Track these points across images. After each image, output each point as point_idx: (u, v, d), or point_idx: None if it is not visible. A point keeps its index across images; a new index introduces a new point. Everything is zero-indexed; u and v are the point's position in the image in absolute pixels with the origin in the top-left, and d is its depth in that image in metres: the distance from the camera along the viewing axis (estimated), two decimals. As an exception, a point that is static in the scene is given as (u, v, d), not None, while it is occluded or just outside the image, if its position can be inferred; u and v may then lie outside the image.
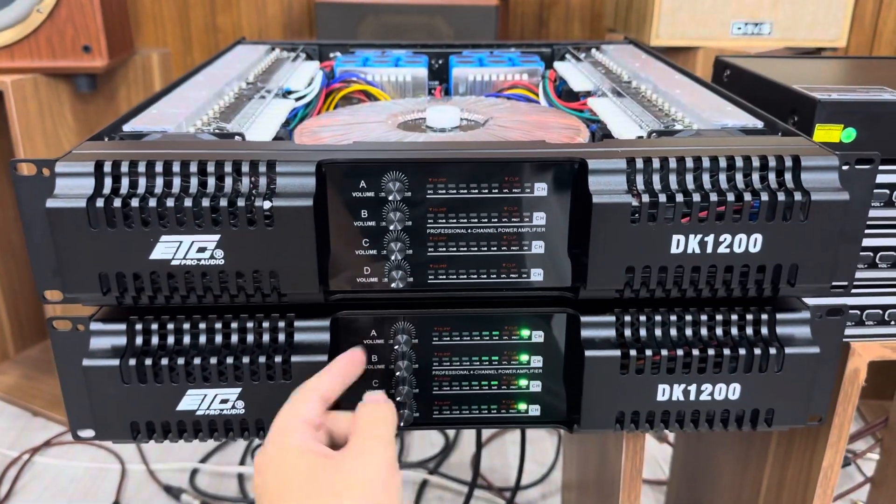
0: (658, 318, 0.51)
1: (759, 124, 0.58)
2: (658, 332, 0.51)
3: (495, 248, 0.50)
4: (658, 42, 1.41)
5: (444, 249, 0.50)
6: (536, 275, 0.51)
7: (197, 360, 0.49)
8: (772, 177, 0.48)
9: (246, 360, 0.49)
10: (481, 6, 1.54)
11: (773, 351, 0.51)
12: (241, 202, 0.46)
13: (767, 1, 1.40)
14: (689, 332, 0.51)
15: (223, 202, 0.45)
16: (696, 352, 0.51)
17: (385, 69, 0.79)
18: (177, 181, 0.46)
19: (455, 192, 0.49)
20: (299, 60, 0.86)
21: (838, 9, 1.41)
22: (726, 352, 0.51)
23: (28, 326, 1.66)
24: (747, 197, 0.47)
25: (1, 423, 1.47)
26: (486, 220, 0.50)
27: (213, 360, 0.49)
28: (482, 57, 0.85)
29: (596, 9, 1.92)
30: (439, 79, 0.88)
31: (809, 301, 0.53)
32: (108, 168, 0.46)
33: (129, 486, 1.30)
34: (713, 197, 0.47)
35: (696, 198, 0.47)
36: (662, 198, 0.46)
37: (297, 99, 0.72)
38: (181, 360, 0.49)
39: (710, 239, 0.47)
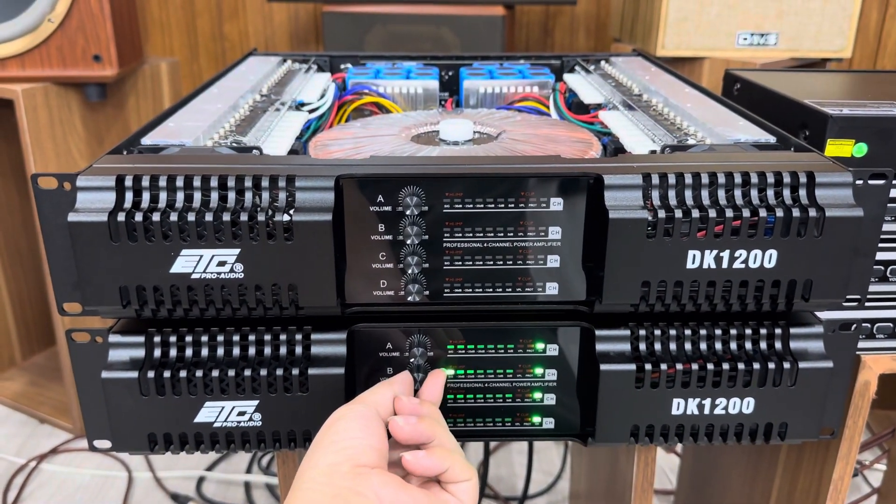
0: (673, 332, 0.52)
1: (772, 139, 0.58)
2: (673, 346, 0.52)
3: (511, 262, 0.51)
4: (664, 52, 1.41)
5: (460, 263, 0.51)
6: (551, 288, 0.51)
7: (215, 373, 0.50)
8: (786, 193, 0.48)
9: (263, 372, 0.50)
10: (488, 16, 1.54)
11: (786, 365, 0.51)
12: (260, 216, 0.46)
13: (773, 12, 1.41)
14: (703, 346, 0.52)
15: (243, 217, 0.46)
16: (710, 366, 0.51)
17: (396, 81, 0.80)
18: (197, 195, 0.47)
19: (471, 206, 0.49)
20: (311, 72, 0.86)
21: (843, 20, 1.41)
22: (740, 366, 0.51)
23: (35, 333, 1.67)
24: (762, 213, 0.47)
25: (8, 429, 1.47)
26: (501, 234, 0.50)
27: (231, 373, 0.50)
28: (492, 69, 0.86)
29: (601, 19, 1.92)
30: (449, 90, 0.89)
31: (822, 315, 0.54)
32: (129, 182, 0.47)
33: (136, 494, 1.30)
34: (729, 213, 0.47)
35: (712, 213, 0.47)
36: (679, 213, 0.47)
37: (311, 111, 0.72)
38: (199, 373, 0.50)
39: (725, 254, 0.48)
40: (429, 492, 0.44)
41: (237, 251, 0.47)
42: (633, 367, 0.51)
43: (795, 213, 0.47)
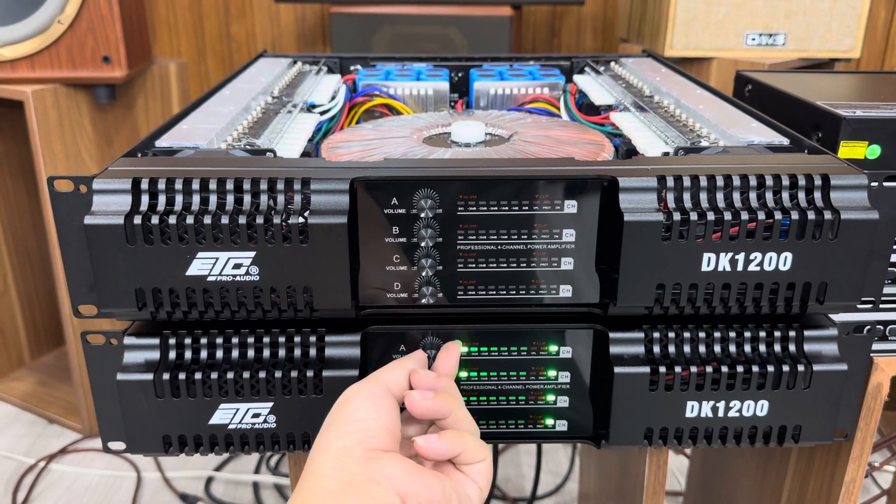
0: (687, 334, 0.52)
1: (785, 141, 0.58)
2: (687, 348, 0.52)
3: (524, 265, 0.51)
4: (672, 53, 1.41)
5: (474, 265, 0.51)
6: (565, 291, 0.51)
7: (229, 375, 0.50)
8: (801, 195, 0.48)
9: (278, 374, 0.50)
10: (495, 16, 1.54)
11: (801, 368, 0.51)
12: (276, 219, 0.46)
13: (781, 12, 1.41)
14: (717, 348, 0.52)
15: (259, 219, 0.46)
16: (724, 368, 0.51)
17: (407, 83, 0.80)
18: (213, 198, 0.47)
19: (485, 208, 0.49)
20: (321, 74, 0.86)
21: (852, 20, 1.41)
22: (755, 368, 0.51)
23: (44, 334, 1.67)
24: (777, 215, 0.47)
25: (17, 430, 1.48)
26: (515, 236, 0.50)
27: (246, 375, 0.50)
28: (502, 70, 0.86)
29: (608, 19, 1.92)
30: (459, 92, 0.89)
31: (836, 318, 0.54)
32: (144, 185, 0.47)
33: (145, 494, 1.31)
34: (744, 215, 0.47)
35: (727, 216, 0.47)
36: (694, 215, 0.47)
37: (322, 113, 0.72)
38: (214, 375, 0.50)
39: (740, 257, 0.48)
40: (442, 475, 0.44)
41: (253, 254, 0.47)
42: (647, 369, 0.51)
43: (810, 215, 0.47)
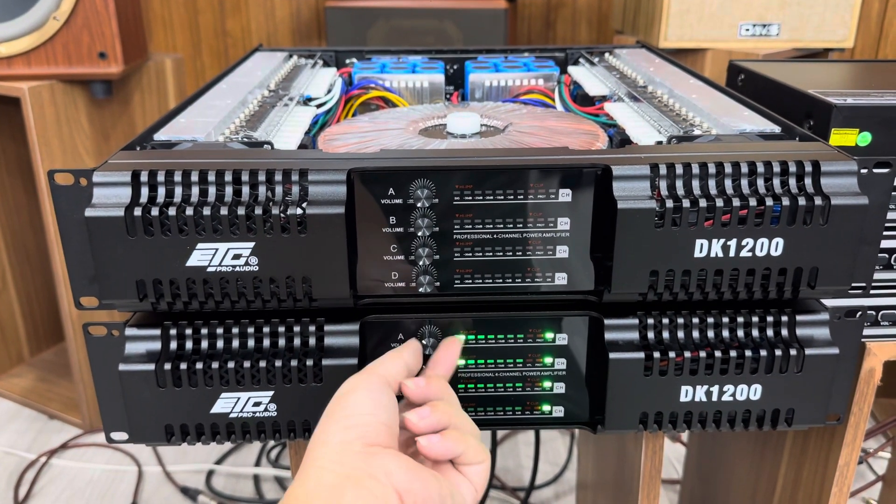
0: (680, 320, 0.52)
1: (777, 129, 0.59)
2: (681, 334, 0.52)
3: (520, 253, 0.51)
4: (666, 44, 1.42)
5: (470, 254, 0.51)
6: (560, 279, 0.52)
7: (230, 364, 0.50)
8: (792, 182, 0.49)
9: (278, 363, 0.51)
10: (490, 9, 1.55)
11: (793, 352, 0.52)
12: (274, 210, 0.47)
13: (775, 2, 1.41)
14: (710, 333, 0.52)
15: (258, 210, 0.47)
16: (718, 353, 0.52)
17: (403, 75, 0.80)
18: (212, 190, 0.47)
19: (481, 198, 0.50)
20: (317, 67, 0.87)
21: (845, 10, 1.42)
22: (748, 353, 0.52)
23: (43, 329, 1.68)
24: (769, 202, 0.48)
25: (18, 425, 1.48)
26: (511, 225, 0.51)
27: (247, 364, 0.50)
28: (497, 62, 0.86)
29: (603, 10, 1.93)
30: (454, 84, 0.90)
31: (827, 303, 0.54)
32: (144, 178, 0.47)
33: (146, 488, 1.32)
34: (735, 202, 0.48)
35: (719, 203, 0.48)
36: (686, 203, 0.48)
37: (318, 106, 0.73)
38: (215, 364, 0.50)
39: (732, 243, 0.49)
40: (439, 474, 0.44)
41: (252, 244, 0.47)
42: (641, 355, 0.52)
43: (801, 201, 0.48)
